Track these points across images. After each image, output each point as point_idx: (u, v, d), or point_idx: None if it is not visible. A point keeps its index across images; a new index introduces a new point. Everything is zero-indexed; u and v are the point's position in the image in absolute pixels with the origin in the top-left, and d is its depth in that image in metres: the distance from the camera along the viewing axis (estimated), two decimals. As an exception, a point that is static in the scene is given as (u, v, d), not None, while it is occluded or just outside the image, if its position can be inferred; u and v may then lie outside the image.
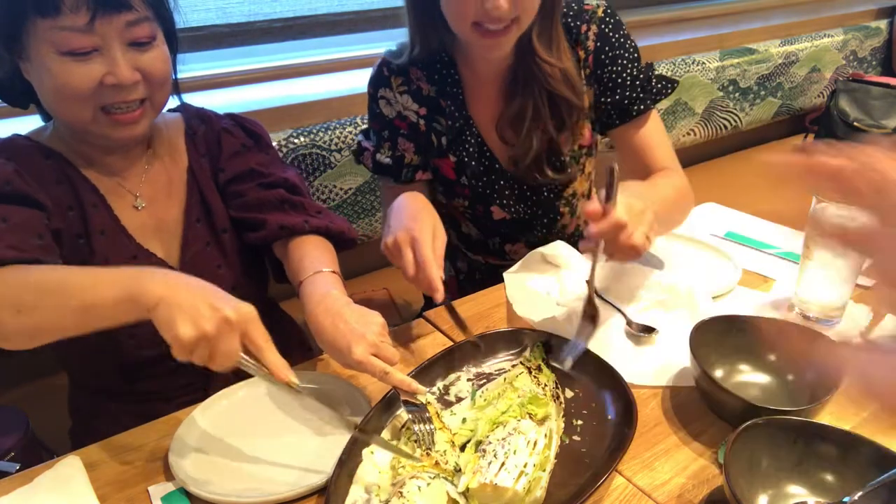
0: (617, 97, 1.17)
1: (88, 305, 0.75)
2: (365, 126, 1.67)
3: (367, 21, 2.06)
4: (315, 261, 0.98)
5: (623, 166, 1.21)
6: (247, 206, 1.06)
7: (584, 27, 1.16)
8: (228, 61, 1.82)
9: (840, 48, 2.76)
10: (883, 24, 2.93)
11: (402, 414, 0.82)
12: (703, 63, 2.35)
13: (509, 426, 0.79)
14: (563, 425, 0.84)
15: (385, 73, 1.21)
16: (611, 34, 1.17)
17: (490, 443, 0.77)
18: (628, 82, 1.17)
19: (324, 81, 1.86)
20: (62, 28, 0.83)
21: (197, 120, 1.08)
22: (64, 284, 0.77)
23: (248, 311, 0.74)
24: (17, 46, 0.86)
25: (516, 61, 1.14)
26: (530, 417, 0.80)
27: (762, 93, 2.55)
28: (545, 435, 0.78)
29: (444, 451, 0.78)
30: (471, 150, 1.21)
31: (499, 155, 1.22)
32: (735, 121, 2.51)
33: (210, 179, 1.06)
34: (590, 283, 0.94)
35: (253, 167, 1.07)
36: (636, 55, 1.19)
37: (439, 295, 0.93)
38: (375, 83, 1.22)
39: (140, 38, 0.88)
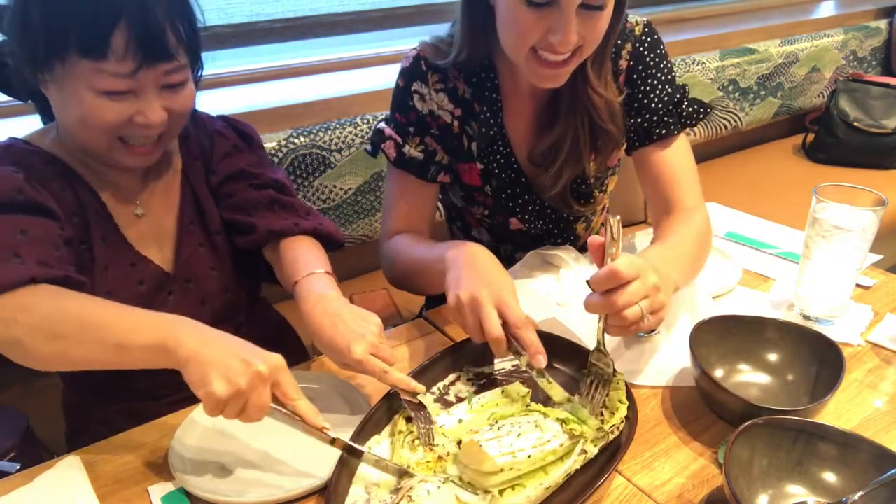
0: (641, 119, 1.13)
1: (123, 346, 0.76)
2: (365, 125, 1.69)
3: (367, 21, 2.06)
4: (308, 261, 0.98)
5: (645, 193, 1.18)
6: (237, 207, 1.06)
7: (621, 44, 1.11)
8: (230, 61, 1.83)
9: (840, 48, 2.76)
10: (883, 23, 2.94)
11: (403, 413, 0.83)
12: (703, 63, 2.35)
13: (534, 417, 0.79)
14: (593, 454, 0.77)
15: (422, 68, 1.13)
16: (645, 53, 1.12)
17: (508, 420, 0.78)
18: (654, 104, 1.12)
19: (324, 81, 1.86)
20: (103, 72, 0.82)
21: (190, 123, 1.07)
22: (102, 321, 0.77)
23: (277, 361, 0.75)
24: (48, 73, 0.85)
25: (563, 88, 1.07)
26: (563, 423, 0.77)
27: (762, 93, 2.55)
28: (562, 444, 0.75)
29: (443, 445, 0.79)
30: (501, 160, 1.17)
31: (527, 170, 1.19)
32: (735, 121, 2.52)
33: (203, 182, 1.06)
34: (599, 343, 0.83)
35: (244, 168, 1.07)
36: (670, 77, 1.13)
37: (543, 358, 0.84)
38: (410, 75, 1.14)
39: (174, 83, 0.88)
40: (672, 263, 0.93)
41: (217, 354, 0.73)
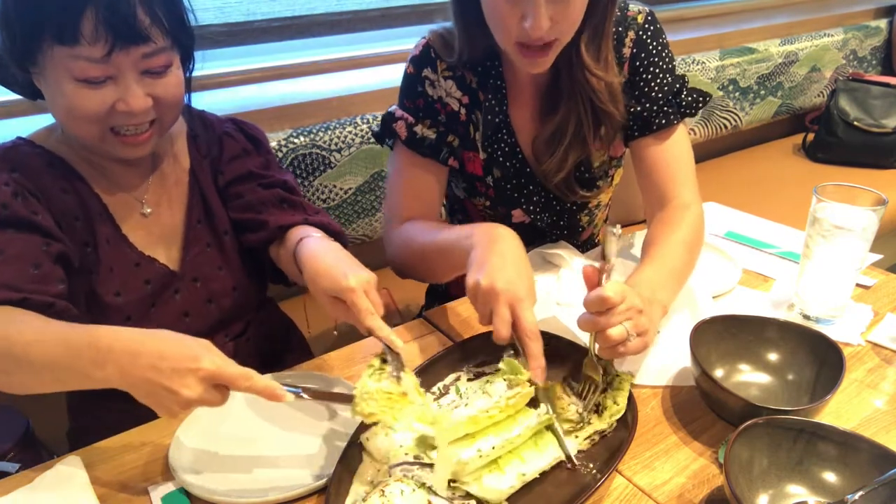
0: (641, 107, 1.13)
1: (57, 377, 0.76)
2: (365, 125, 1.69)
3: (365, 21, 2.06)
4: (314, 232, 1.00)
5: (639, 184, 1.18)
6: (246, 207, 1.06)
7: (623, 33, 1.12)
8: (227, 61, 1.82)
9: (840, 47, 2.76)
10: (883, 23, 2.93)
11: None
12: (703, 62, 2.35)
13: (482, 381, 0.86)
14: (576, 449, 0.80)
15: (432, 55, 1.15)
16: (648, 41, 1.13)
17: (467, 390, 0.86)
18: (654, 93, 1.13)
19: (323, 81, 1.86)
20: (78, 57, 0.83)
21: (199, 123, 1.09)
22: (31, 356, 0.75)
23: (210, 371, 0.70)
24: (33, 66, 0.87)
25: (561, 72, 1.10)
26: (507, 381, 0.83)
27: (762, 92, 2.55)
28: (512, 398, 0.78)
29: (412, 389, 0.80)
30: (506, 149, 1.18)
31: (531, 160, 1.19)
32: (735, 120, 2.51)
33: (211, 182, 1.07)
34: (591, 355, 0.85)
35: (252, 170, 1.08)
36: (670, 66, 1.15)
37: (542, 372, 0.82)
38: (419, 63, 1.16)
39: (155, 68, 0.88)
40: (661, 285, 0.94)
41: (142, 385, 0.71)
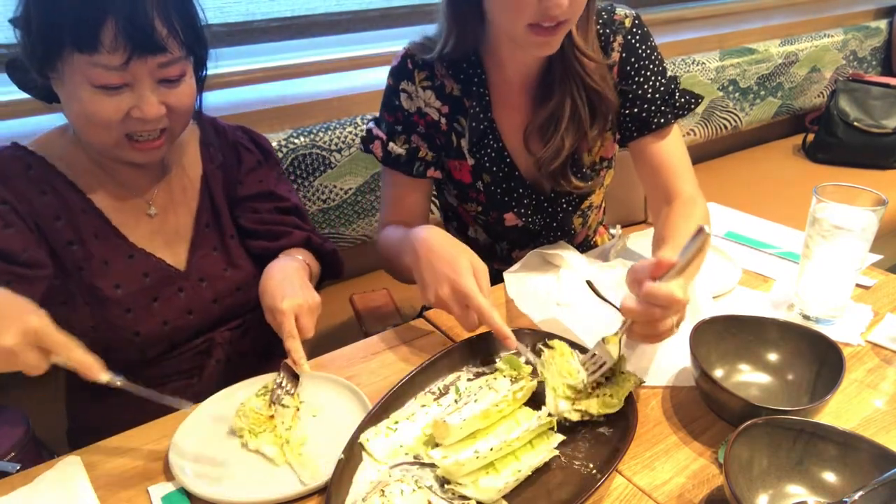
0: (637, 109, 1.14)
1: None
2: (365, 125, 1.69)
3: (365, 21, 2.05)
4: (299, 253, 1.11)
5: (643, 183, 1.20)
6: (262, 221, 1.13)
7: (611, 37, 1.13)
8: (227, 61, 1.82)
9: (840, 48, 2.76)
10: (883, 24, 2.94)
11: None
12: (703, 63, 2.35)
13: (485, 378, 0.87)
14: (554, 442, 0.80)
15: (409, 66, 1.16)
16: (637, 45, 1.14)
17: (466, 390, 0.86)
18: (650, 95, 1.14)
19: (323, 81, 1.86)
20: (97, 65, 0.85)
21: (211, 130, 1.13)
22: None
23: (34, 326, 0.71)
24: (52, 72, 0.89)
25: (553, 60, 1.11)
26: (511, 379, 0.84)
27: (762, 93, 2.55)
28: (507, 398, 0.80)
29: (284, 416, 0.85)
30: (493, 154, 1.18)
31: (519, 163, 1.19)
32: (735, 121, 2.52)
33: (221, 188, 1.11)
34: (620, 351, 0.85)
35: (273, 190, 1.15)
36: (661, 68, 1.16)
37: (512, 342, 0.91)
38: (397, 75, 1.17)
39: (170, 77, 0.91)
40: (684, 273, 0.93)
41: None
